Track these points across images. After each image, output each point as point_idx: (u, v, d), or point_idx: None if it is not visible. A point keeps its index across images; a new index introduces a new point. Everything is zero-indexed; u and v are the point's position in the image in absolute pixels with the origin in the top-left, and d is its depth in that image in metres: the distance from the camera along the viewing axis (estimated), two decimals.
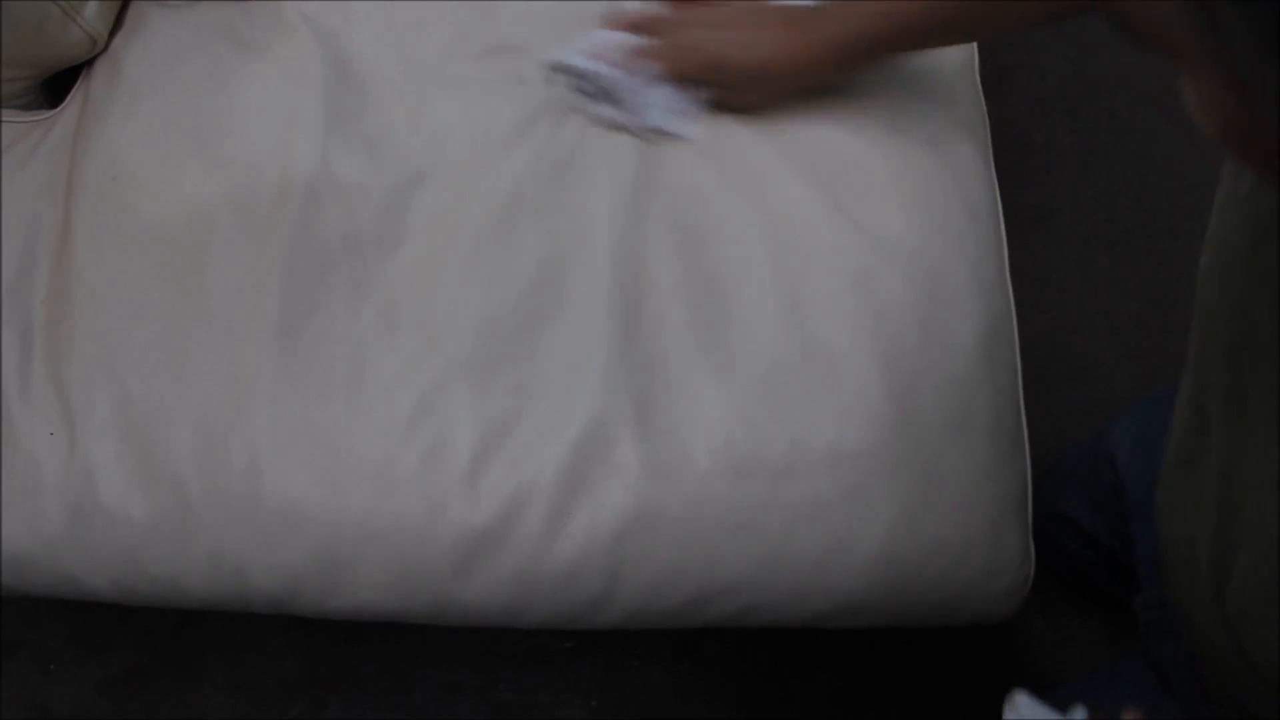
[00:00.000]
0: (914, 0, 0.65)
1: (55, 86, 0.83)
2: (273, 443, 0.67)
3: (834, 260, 0.70)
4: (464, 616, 0.69)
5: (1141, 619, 0.62)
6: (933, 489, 0.66)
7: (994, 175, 0.77)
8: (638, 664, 1.06)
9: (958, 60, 0.79)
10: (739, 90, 0.72)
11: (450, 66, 0.77)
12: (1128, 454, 0.72)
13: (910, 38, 0.68)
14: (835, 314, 0.69)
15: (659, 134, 0.73)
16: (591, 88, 0.73)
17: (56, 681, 1.09)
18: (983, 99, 0.80)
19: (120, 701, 1.08)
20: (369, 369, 0.68)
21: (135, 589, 0.68)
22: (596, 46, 0.71)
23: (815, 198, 0.72)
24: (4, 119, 0.79)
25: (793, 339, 0.68)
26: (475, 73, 0.77)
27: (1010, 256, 0.74)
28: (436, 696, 1.06)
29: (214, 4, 0.79)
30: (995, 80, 1.26)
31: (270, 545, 0.66)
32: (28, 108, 0.82)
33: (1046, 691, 0.79)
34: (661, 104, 0.72)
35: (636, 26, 0.72)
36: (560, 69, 0.73)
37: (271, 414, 0.67)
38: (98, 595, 0.70)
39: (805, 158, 0.73)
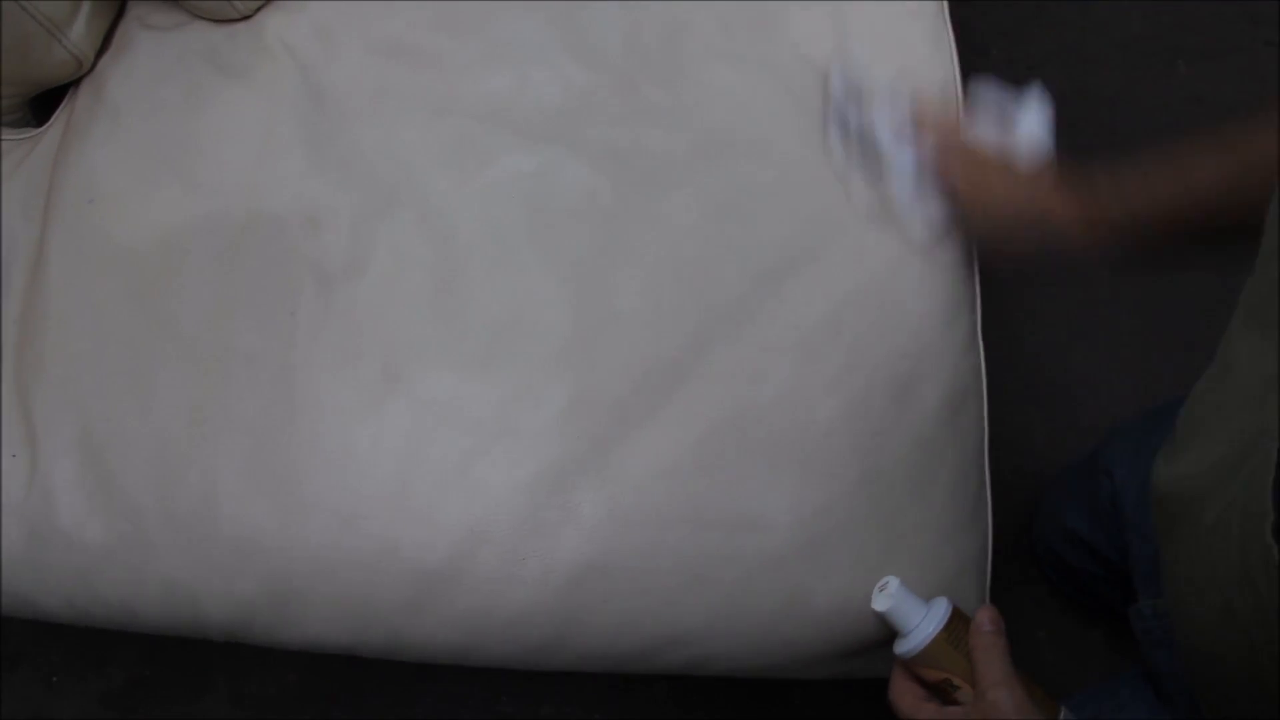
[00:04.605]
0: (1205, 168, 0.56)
1: (47, 105, 0.83)
2: (230, 472, 0.66)
3: (803, 310, 0.69)
4: (417, 653, 0.68)
5: (1137, 629, 0.61)
6: (891, 547, 0.66)
7: None
8: (641, 676, 1.04)
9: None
10: (998, 230, 0.67)
11: (433, 100, 0.77)
12: (1125, 467, 0.72)
13: (1200, 216, 0.57)
14: (803, 365, 0.68)
15: (885, 207, 0.70)
16: (855, 119, 0.71)
17: (59, 694, 1.09)
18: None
19: (123, 714, 1.08)
20: (328, 401, 0.67)
21: (89, 612, 0.69)
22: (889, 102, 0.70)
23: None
24: None
25: (759, 388, 0.67)
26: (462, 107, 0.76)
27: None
28: (439, 709, 1.06)
29: (200, 27, 0.79)
30: None
31: (223, 574, 0.66)
32: (15, 125, 0.82)
33: None
34: (911, 175, 0.69)
35: (935, 126, 0.70)
36: (844, 96, 0.72)
37: (230, 444, 0.67)
38: (53, 617, 0.70)
39: None
